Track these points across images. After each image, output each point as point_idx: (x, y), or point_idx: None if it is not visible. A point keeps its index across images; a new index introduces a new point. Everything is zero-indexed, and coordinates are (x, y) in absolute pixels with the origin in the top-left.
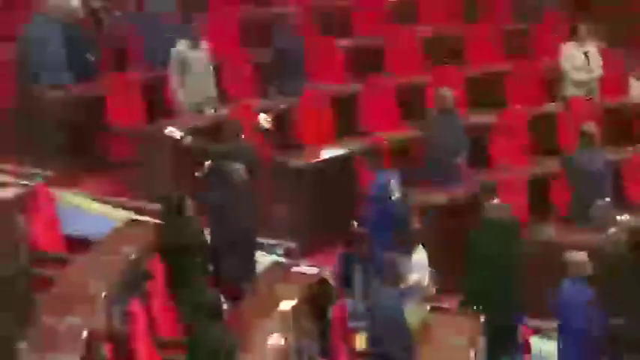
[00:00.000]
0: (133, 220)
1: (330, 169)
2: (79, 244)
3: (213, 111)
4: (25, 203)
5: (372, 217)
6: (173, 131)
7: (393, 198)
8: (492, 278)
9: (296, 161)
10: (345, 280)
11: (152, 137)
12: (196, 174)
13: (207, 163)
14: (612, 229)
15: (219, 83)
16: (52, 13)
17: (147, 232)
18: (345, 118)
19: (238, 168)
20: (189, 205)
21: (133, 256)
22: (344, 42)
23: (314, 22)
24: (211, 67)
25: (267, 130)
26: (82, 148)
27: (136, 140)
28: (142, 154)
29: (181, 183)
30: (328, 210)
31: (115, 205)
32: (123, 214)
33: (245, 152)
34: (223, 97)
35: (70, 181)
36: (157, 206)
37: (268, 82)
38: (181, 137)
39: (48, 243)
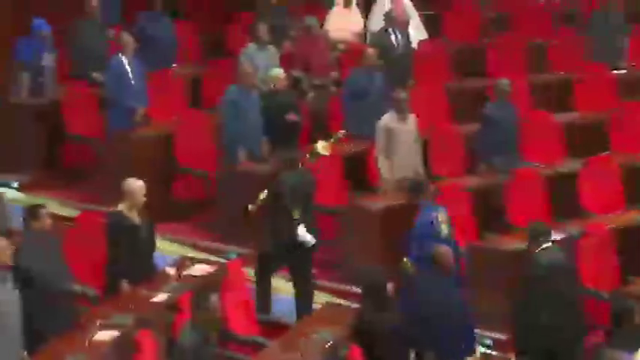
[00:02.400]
0: (332, 303)
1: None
2: (271, 327)
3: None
4: (218, 281)
5: (417, 259)
6: None
7: (441, 236)
8: None
9: (506, 245)
10: None
11: (354, 215)
12: (250, 207)
13: (264, 194)
14: None
15: (426, 159)
16: (252, 82)
17: (346, 316)
18: (562, 200)
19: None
20: (390, 286)
21: (331, 342)
22: (563, 116)
23: (530, 95)
24: (419, 142)
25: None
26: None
27: (337, 218)
28: (344, 233)
29: (387, 262)
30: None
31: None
32: (320, 297)
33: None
34: (430, 173)
35: None
36: (358, 288)
37: (478, 158)
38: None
39: (240, 324)
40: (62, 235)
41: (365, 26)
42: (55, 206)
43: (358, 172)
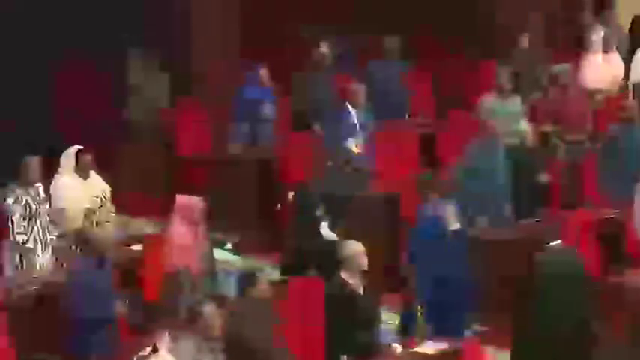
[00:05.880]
0: None
1: None
2: None
3: None
4: None
5: (420, 255)
6: None
7: (449, 230)
8: None
9: None
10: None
11: (611, 290)
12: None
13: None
14: None
15: None
16: (494, 136)
17: None
18: None
19: None
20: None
21: None
22: None
23: None
24: None
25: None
26: None
27: None
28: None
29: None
30: None
31: None
32: None
33: None
34: None
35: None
36: None
37: None
38: None
39: None
40: (278, 303)
41: (626, 75)
42: (270, 270)
43: (616, 240)
